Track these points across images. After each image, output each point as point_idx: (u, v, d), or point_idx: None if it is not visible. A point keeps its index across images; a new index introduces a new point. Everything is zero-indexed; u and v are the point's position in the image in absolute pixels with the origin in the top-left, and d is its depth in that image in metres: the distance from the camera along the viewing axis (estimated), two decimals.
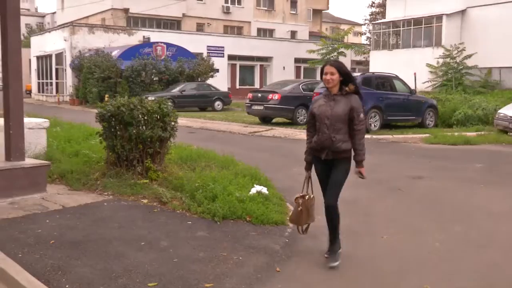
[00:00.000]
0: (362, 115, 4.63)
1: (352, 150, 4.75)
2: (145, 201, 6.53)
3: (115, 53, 28.90)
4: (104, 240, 5.14)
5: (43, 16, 73.94)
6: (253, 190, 6.64)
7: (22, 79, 6.93)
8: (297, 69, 41.17)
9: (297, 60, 40.62)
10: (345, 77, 4.67)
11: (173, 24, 43.60)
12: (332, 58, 35.68)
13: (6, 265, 3.84)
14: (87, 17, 42.63)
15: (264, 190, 6.71)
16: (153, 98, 8.28)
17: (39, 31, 49.73)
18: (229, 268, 4.58)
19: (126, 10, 41.00)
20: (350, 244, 5.35)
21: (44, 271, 4.32)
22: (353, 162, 4.79)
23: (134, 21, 41.20)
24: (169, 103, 7.62)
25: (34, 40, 40.31)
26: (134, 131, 7.03)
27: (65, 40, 32.63)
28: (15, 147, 6.62)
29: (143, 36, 33.39)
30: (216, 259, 4.76)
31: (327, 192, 4.81)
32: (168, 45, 30.34)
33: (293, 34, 49.80)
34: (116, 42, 32.40)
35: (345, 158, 4.73)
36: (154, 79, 27.43)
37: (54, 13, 61.87)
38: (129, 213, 6.06)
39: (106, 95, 24.84)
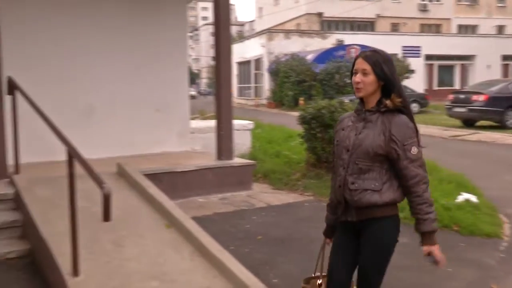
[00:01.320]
0: (415, 149, 2.60)
1: (394, 205, 2.69)
2: None
3: (309, 57, 29.73)
4: (307, 239, 5.31)
5: (242, 24, 79.52)
6: (460, 198, 6.26)
7: (231, 84, 7.53)
8: (505, 67, 37.64)
9: (505, 58, 37.16)
10: (386, 81, 2.66)
11: (366, 25, 43.30)
12: None
13: (223, 257, 4.18)
14: (282, 23, 44.62)
15: (473, 198, 6.29)
16: (347, 101, 8.33)
17: (239, 39, 53.55)
18: (437, 279, 4.38)
19: (320, 14, 41.91)
20: None
21: (253, 264, 4.61)
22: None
23: (328, 25, 41.88)
24: None
25: (235, 47, 43.48)
26: None
27: (262, 46, 34.58)
28: (226, 147, 7.21)
29: (337, 39, 33.76)
30: (422, 269, 4.56)
31: (358, 285, 2.81)
32: (362, 47, 30.06)
33: (500, 29, 45.71)
34: (311, 46, 33.28)
35: (380, 220, 2.66)
36: (348, 81, 27.50)
37: (252, 21, 66.15)
38: None
39: (301, 98, 25.66)
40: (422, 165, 2.62)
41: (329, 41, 33.77)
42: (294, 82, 28.36)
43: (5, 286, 4.13)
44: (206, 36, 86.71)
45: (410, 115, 2.68)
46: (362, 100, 2.73)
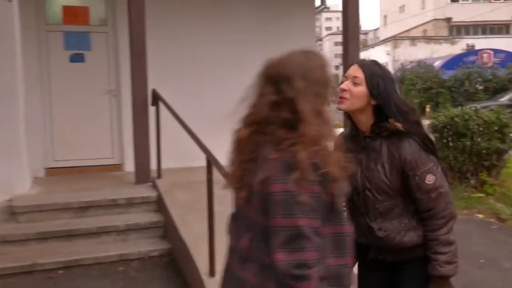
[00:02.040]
0: (430, 177, 2.06)
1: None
2: (480, 216, 6.14)
3: (437, 64, 28.36)
4: None
5: (366, 33, 78.11)
6: None
7: None
8: None
9: None
10: (380, 100, 2.11)
11: (500, 28, 40.34)
12: None
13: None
14: (408, 30, 43.12)
15: None
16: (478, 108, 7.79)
17: (363, 47, 52.68)
18: None
19: (448, 20, 39.87)
20: None
21: None
22: None
23: (457, 30, 39.71)
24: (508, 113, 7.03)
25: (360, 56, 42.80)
26: (468, 143, 6.71)
27: (387, 54, 33.67)
28: None
29: (467, 44, 31.88)
30: None
31: None
32: (496, 51, 28.12)
33: None
34: (438, 53, 31.76)
35: (421, 259, 2.12)
36: (479, 88, 25.79)
37: (376, 29, 64.78)
38: (464, 227, 5.77)
39: (428, 106, 24.55)
40: (441, 195, 2.05)
41: (459, 47, 32.00)
42: (420, 89, 27.20)
43: (150, 282, 4.40)
44: (329, 45, 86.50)
45: (422, 136, 2.14)
46: (353, 123, 2.20)
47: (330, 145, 1.54)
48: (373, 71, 2.12)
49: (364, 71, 2.11)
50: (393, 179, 2.07)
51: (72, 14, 6.98)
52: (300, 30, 7.99)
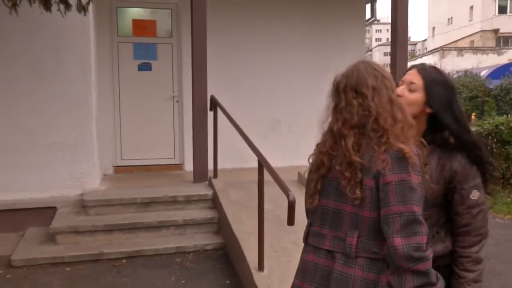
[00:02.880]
0: (476, 193, 1.84)
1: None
2: None
3: (483, 73, 27.26)
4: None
5: (414, 44, 76.07)
6: None
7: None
8: None
9: None
10: (437, 110, 1.86)
11: None
12: None
13: None
14: (455, 41, 41.62)
15: None
16: None
17: (411, 57, 51.30)
18: None
19: (495, 31, 38.19)
20: None
21: None
22: None
23: (504, 41, 37.95)
24: None
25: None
26: None
27: (435, 64, 32.61)
28: None
29: None
30: None
31: None
32: None
33: None
34: (485, 63, 30.46)
35: (443, 268, 1.84)
36: None
37: (424, 40, 62.97)
38: (507, 232, 5.49)
39: (473, 114, 23.62)
40: (480, 213, 1.86)
41: (505, 57, 30.59)
42: (466, 98, 26.20)
43: (204, 273, 4.42)
44: (379, 56, 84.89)
45: (481, 152, 1.86)
46: None
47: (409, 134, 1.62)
48: (434, 77, 1.87)
49: (423, 77, 1.87)
50: (438, 188, 1.84)
51: (141, 27, 7.14)
52: (351, 41, 7.85)
